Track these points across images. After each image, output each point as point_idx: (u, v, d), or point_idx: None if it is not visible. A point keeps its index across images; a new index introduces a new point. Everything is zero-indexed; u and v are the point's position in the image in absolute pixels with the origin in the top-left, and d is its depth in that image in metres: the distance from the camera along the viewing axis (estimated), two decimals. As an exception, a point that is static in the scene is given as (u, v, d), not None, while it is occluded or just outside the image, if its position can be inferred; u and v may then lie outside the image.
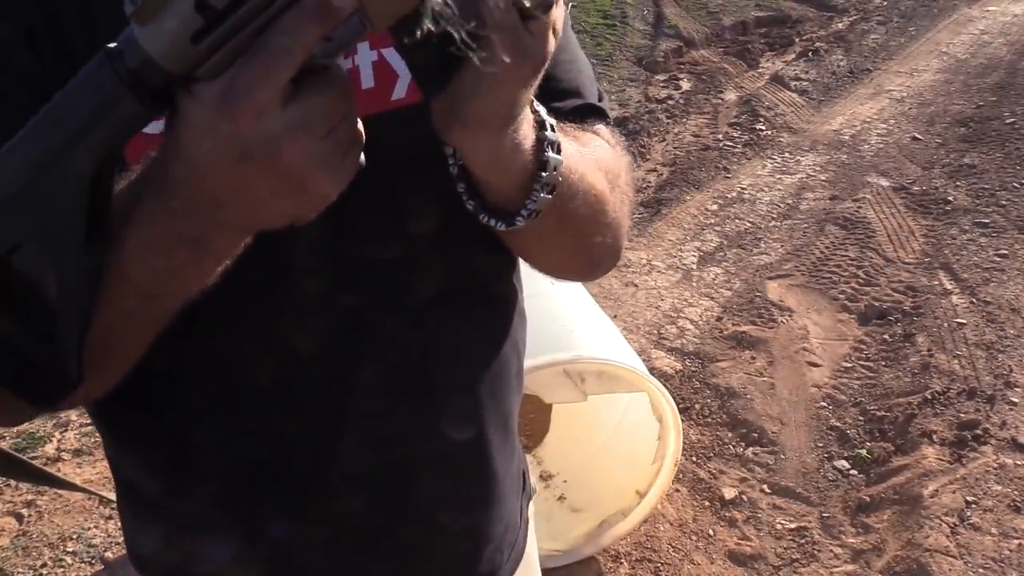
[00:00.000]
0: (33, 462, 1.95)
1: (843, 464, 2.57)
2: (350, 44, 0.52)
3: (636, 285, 3.41)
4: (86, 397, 0.72)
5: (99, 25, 0.61)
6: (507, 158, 0.61)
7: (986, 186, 3.98)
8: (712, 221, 3.85)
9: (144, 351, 0.64)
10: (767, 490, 2.50)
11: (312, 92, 0.49)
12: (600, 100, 0.84)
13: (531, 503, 1.03)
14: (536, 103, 0.65)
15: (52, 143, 0.49)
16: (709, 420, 2.73)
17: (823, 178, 4.17)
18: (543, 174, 0.64)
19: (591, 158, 0.74)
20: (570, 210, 0.70)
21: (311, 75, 0.50)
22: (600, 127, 0.82)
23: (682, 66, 5.53)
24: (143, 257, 0.55)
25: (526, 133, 0.62)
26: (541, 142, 0.64)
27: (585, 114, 0.81)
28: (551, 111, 0.71)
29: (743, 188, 4.12)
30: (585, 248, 0.79)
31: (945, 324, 3.08)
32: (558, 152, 0.65)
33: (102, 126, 0.49)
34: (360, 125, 0.54)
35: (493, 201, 0.67)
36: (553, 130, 0.65)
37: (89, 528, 2.32)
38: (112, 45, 0.48)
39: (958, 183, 4.03)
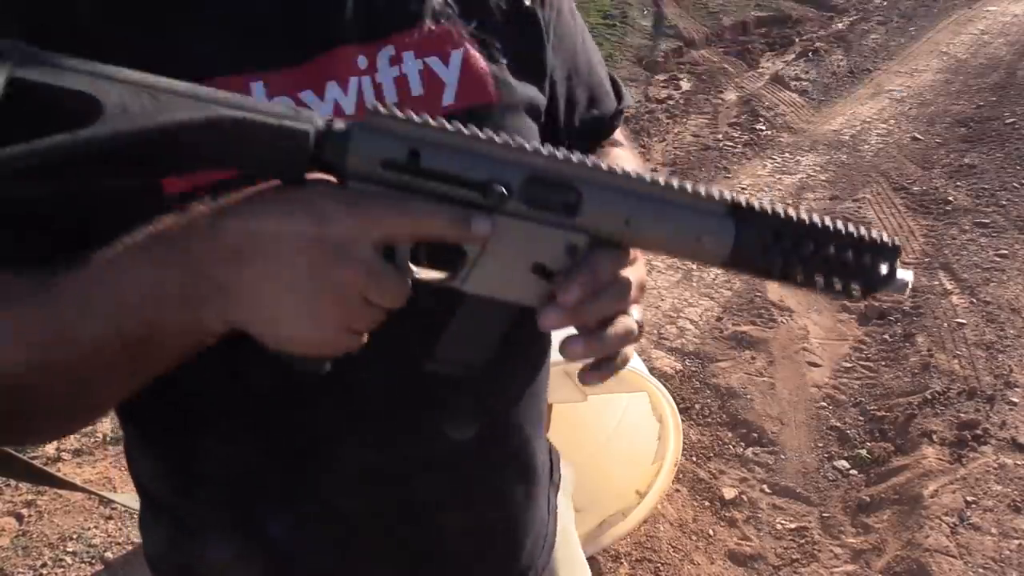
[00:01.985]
0: (33, 462, 1.95)
1: (843, 464, 2.57)
2: (442, 281, 0.61)
3: (636, 285, 3.41)
4: (55, 435, 0.73)
5: (120, 27, 0.62)
6: None
7: (986, 186, 3.98)
8: (712, 221, 3.85)
9: (116, 402, 0.65)
10: (767, 490, 2.49)
11: (391, 272, 0.56)
12: (616, 86, 0.92)
13: (560, 492, 1.04)
14: None
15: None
16: (709, 420, 2.73)
17: (823, 178, 4.17)
18: None
19: None
20: None
21: (404, 267, 0.58)
22: (618, 133, 0.92)
23: (682, 66, 5.53)
24: (135, 299, 0.56)
25: None
26: None
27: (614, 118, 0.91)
28: (599, 121, 0.87)
29: (743, 188, 4.12)
30: None
31: (945, 324, 3.08)
32: None
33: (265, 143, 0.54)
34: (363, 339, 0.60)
35: None
36: None
37: (89, 528, 2.32)
38: (332, 121, 0.55)
39: (958, 183, 4.03)
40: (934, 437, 2.58)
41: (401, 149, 0.55)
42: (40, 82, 0.50)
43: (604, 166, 0.59)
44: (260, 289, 0.55)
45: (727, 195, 0.61)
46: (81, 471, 2.48)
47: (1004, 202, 3.85)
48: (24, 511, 2.37)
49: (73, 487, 2.12)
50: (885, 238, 0.63)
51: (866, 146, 4.45)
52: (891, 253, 0.63)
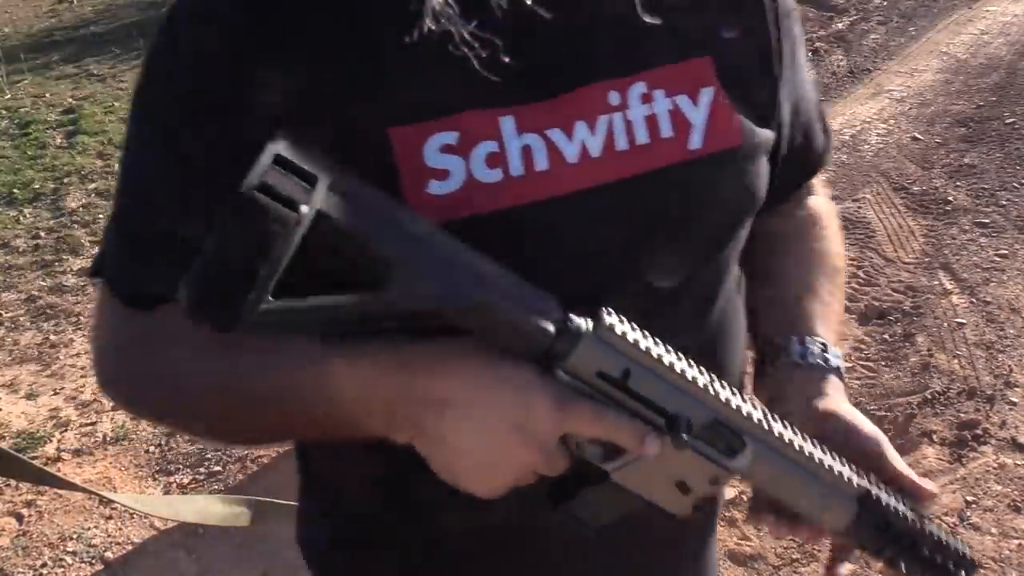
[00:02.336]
0: (33, 462, 1.95)
1: (843, 464, 2.57)
2: (598, 461, 0.65)
3: (636, 285, 3.40)
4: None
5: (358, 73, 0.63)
6: None
7: (986, 186, 3.98)
8: (712, 221, 3.85)
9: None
10: (767, 490, 2.49)
11: (563, 454, 0.62)
12: (823, 121, 0.94)
13: None
14: (822, 348, 0.82)
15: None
16: (709, 420, 2.73)
17: (823, 178, 4.17)
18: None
19: (837, 307, 0.92)
20: None
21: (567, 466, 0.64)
22: (818, 189, 1.01)
23: (682, 66, 5.52)
24: (344, 406, 0.61)
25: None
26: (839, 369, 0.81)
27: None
28: (807, 161, 0.92)
29: (743, 188, 4.12)
30: None
31: (945, 324, 3.08)
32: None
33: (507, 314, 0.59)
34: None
35: None
36: (838, 360, 0.82)
37: (89, 528, 2.32)
38: (570, 320, 0.60)
39: (958, 183, 4.03)
40: (934, 437, 2.59)
41: (618, 366, 0.60)
42: (346, 230, 0.53)
43: (776, 430, 0.65)
44: (453, 442, 0.61)
45: (863, 483, 0.70)
46: (81, 471, 2.48)
47: (1004, 202, 3.85)
48: (24, 511, 2.37)
49: (73, 487, 2.12)
50: (969, 553, 0.73)
51: (866, 146, 4.45)
52: (971, 567, 0.73)
